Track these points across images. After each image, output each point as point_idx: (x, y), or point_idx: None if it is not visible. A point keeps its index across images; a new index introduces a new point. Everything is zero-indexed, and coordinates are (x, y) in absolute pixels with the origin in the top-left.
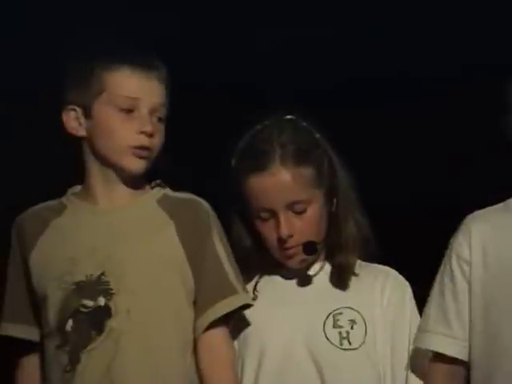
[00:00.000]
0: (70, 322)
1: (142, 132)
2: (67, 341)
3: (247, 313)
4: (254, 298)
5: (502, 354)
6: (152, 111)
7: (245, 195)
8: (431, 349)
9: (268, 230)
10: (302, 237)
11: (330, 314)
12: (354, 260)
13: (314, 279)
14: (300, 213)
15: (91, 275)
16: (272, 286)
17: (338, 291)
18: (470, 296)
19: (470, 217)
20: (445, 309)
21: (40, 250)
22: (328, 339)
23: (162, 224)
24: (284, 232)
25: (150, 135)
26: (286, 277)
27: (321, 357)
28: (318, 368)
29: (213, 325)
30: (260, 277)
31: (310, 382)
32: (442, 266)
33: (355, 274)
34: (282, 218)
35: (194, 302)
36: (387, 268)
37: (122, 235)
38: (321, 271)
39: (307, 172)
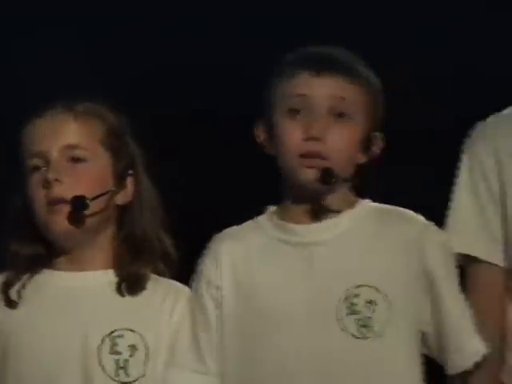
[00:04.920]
0: None
1: None
2: None
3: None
4: (14, 306)
5: (255, 381)
6: None
7: (22, 151)
8: None
9: (36, 184)
10: (73, 189)
11: (107, 335)
12: (147, 270)
13: (95, 290)
14: (77, 162)
15: None
16: (42, 293)
17: (121, 307)
18: (221, 322)
19: (217, 236)
20: (197, 340)
21: None
22: (103, 368)
23: None
24: (51, 175)
25: None
26: (61, 283)
27: None
28: None
29: None
30: (28, 280)
31: None
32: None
33: (144, 288)
34: (55, 161)
35: None
36: (180, 285)
37: None
38: (104, 280)
39: (96, 125)
